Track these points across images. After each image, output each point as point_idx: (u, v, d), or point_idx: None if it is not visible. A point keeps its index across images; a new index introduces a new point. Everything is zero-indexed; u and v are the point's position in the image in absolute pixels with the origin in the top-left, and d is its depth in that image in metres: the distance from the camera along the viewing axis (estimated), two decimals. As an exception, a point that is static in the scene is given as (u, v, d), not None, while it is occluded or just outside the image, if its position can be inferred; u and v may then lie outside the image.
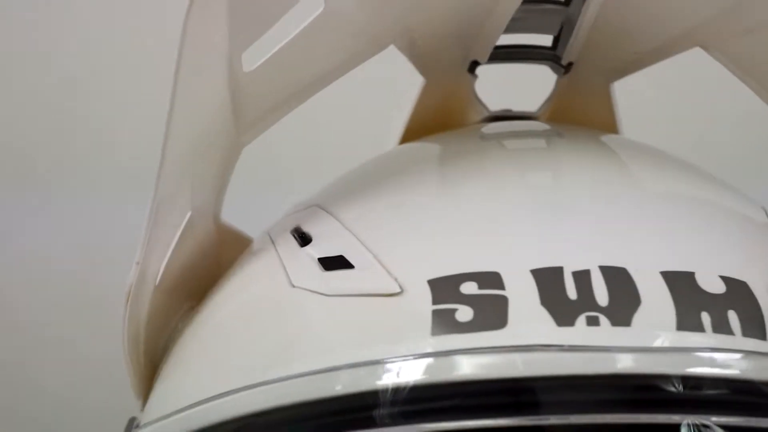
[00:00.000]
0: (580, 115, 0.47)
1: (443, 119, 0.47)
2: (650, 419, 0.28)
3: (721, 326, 0.30)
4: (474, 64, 0.44)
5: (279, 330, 0.34)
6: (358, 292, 0.32)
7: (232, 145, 0.40)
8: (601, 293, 0.30)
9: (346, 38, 0.35)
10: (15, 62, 0.71)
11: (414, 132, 0.47)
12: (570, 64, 0.44)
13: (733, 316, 0.31)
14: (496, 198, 0.36)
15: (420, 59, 0.43)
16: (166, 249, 0.40)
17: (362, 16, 0.34)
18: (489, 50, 0.42)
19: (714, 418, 0.28)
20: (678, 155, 0.43)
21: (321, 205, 0.39)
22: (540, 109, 0.47)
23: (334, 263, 0.34)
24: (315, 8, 0.32)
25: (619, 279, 0.31)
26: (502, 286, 0.31)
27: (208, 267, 0.42)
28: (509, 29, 0.43)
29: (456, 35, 0.41)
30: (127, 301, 0.38)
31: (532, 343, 0.29)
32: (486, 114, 0.46)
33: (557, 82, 0.46)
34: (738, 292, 0.31)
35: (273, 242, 0.39)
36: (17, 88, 0.72)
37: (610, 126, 0.47)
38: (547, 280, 0.31)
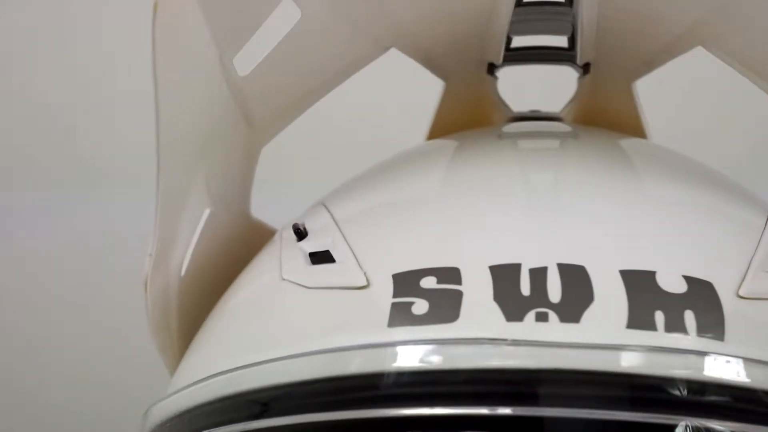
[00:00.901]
0: (607, 115, 0.47)
1: (468, 120, 0.48)
2: (585, 414, 0.28)
3: (675, 326, 0.30)
4: (492, 66, 0.45)
5: (266, 318, 0.36)
6: (332, 285, 0.34)
7: (249, 144, 0.43)
8: (554, 290, 0.31)
9: (334, 42, 0.37)
10: (16, 61, 0.72)
11: (439, 134, 0.48)
12: (587, 65, 0.44)
13: (689, 316, 0.30)
14: (486, 196, 0.37)
15: (433, 63, 0.44)
16: (186, 243, 0.42)
17: (342, 23, 0.36)
18: (500, 52, 0.43)
19: (655, 416, 0.28)
20: (696, 156, 0.43)
21: (325, 203, 0.40)
22: (564, 109, 0.47)
23: (320, 258, 0.36)
24: (293, 16, 0.34)
25: (575, 277, 0.31)
26: (459, 281, 0.31)
27: (240, 261, 0.45)
28: (523, 31, 0.44)
29: (464, 38, 0.42)
30: (146, 290, 0.41)
31: (477, 336, 0.30)
32: (511, 114, 0.47)
33: (578, 83, 0.46)
34: (700, 293, 0.31)
35: (281, 237, 0.41)
36: (18, 87, 0.73)
37: (635, 126, 0.47)
38: (504, 276, 0.31)
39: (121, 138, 0.71)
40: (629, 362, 0.29)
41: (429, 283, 0.32)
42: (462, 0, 0.38)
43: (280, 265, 0.38)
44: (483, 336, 0.30)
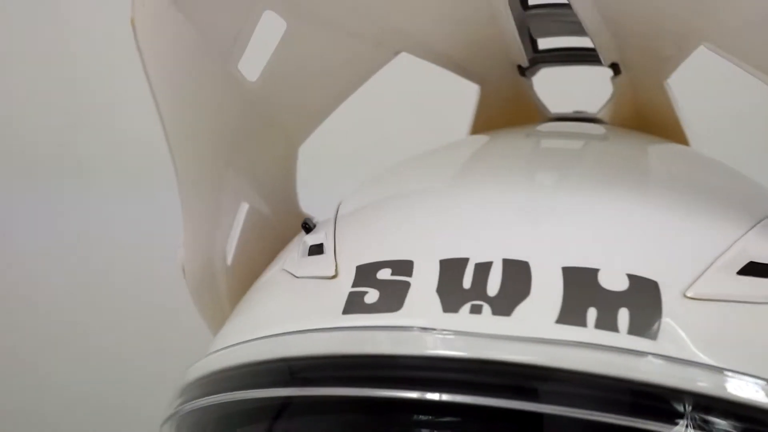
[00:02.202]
0: (648, 116, 0.47)
1: (509, 122, 0.48)
2: (497, 403, 0.29)
3: (605, 323, 0.30)
4: (522, 68, 0.46)
5: (261, 303, 0.39)
6: (311, 275, 0.37)
7: (282, 144, 0.46)
8: (493, 284, 0.32)
9: (329, 50, 0.39)
10: (17, 61, 0.73)
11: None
12: (615, 65, 0.44)
13: (623, 314, 0.31)
14: (478, 192, 0.38)
15: (460, 68, 0.45)
16: (225, 235, 0.46)
17: (332, 31, 0.38)
18: (522, 54, 0.44)
19: (569, 410, 0.29)
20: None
21: (344, 197, 0.43)
22: (600, 110, 0.47)
23: (315, 250, 0.39)
24: (279, 27, 0.37)
25: (516, 272, 0.32)
26: (410, 273, 0.33)
27: None
28: (543, 33, 0.45)
29: (485, 42, 0.43)
30: (184, 274, 0.45)
31: (410, 325, 0.31)
32: (550, 115, 0.48)
33: (613, 83, 0.46)
34: (640, 291, 0.31)
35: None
36: (19, 86, 0.74)
37: (674, 126, 0.46)
38: (450, 269, 0.33)
39: (121, 138, 0.72)
40: (547, 355, 0.30)
41: (384, 274, 0.34)
42: (459, 5, 0.40)
43: (285, 256, 0.41)
44: (415, 325, 0.31)
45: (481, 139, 0.47)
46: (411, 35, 0.41)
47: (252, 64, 0.39)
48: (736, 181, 0.41)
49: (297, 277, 0.38)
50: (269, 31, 0.37)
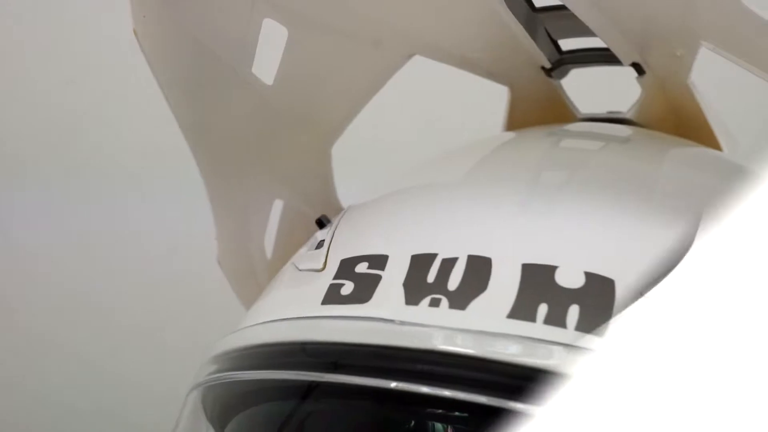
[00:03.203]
0: (680, 118, 0.46)
1: (542, 123, 0.49)
2: (438, 392, 0.30)
3: (554, 319, 0.31)
4: (547, 70, 0.46)
5: (268, 293, 0.41)
6: (307, 268, 0.38)
7: (313, 143, 0.48)
8: (455, 279, 0.33)
9: (337, 52, 0.41)
10: (17, 61, 0.73)
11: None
12: (637, 65, 0.44)
13: (573, 311, 0.31)
14: (474, 190, 0.39)
15: (484, 70, 0.46)
16: (260, 230, 0.48)
17: (335, 35, 0.40)
18: (540, 55, 0.44)
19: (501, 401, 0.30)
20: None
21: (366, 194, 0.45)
22: (630, 111, 0.47)
23: (320, 245, 0.40)
24: (281, 34, 0.38)
25: (478, 267, 0.33)
26: (383, 267, 0.35)
27: None
28: (562, 34, 0.45)
29: (503, 44, 0.44)
30: (220, 265, 0.48)
31: (375, 316, 0.33)
32: (581, 115, 0.48)
33: (639, 83, 0.45)
34: (595, 289, 0.31)
35: None
36: (19, 86, 0.74)
37: (703, 126, 0.45)
38: (419, 264, 0.34)
39: (121, 138, 0.72)
40: (490, 347, 0.30)
41: (362, 267, 0.35)
42: (462, 7, 0.40)
43: (300, 250, 0.43)
44: (378, 316, 0.33)
45: (504, 137, 0.47)
46: (416, 38, 0.42)
47: (266, 69, 0.41)
48: (741, 183, 0.40)
49: (299, 270, 0.40)
50: (275, 36, 0.39)
